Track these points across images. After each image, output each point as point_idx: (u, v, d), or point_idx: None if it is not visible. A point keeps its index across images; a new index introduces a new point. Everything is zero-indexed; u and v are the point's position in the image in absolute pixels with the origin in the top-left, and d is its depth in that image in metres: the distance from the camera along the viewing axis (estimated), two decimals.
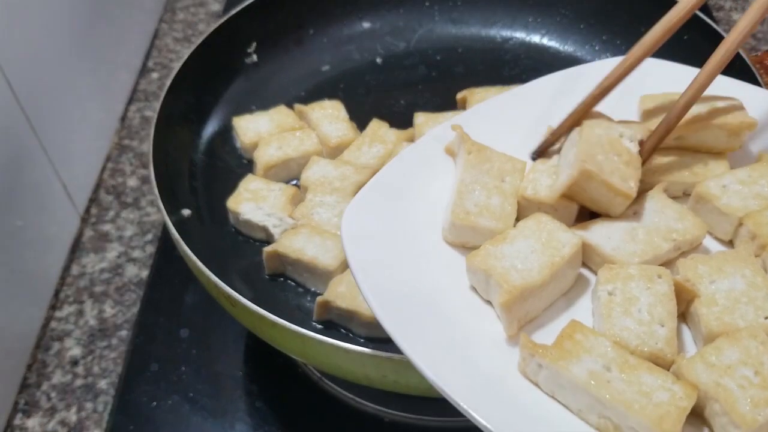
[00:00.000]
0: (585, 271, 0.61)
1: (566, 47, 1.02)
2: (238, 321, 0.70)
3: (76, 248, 0.93)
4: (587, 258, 0.61)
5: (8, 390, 0.78)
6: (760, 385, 0.50)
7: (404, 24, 1.05)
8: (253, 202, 0.80)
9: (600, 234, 0.60)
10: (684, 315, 0.57)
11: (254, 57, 0.98)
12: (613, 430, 0.50)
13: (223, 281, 0.65)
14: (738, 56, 0.86)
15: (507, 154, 0.66)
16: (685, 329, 0.57)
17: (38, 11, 0.85)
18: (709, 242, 0.63)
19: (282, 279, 0.77)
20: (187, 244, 0.69)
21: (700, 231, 0.61)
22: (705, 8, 1.12)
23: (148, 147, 0.79)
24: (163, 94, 0.84)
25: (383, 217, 0.63)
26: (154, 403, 0.77)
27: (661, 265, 0.59)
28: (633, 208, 0.62)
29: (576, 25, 1.02)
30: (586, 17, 1.02)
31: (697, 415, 0.51)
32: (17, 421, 0.78)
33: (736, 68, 0.85)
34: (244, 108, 0.93)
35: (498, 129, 0.70)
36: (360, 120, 0.90)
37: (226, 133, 0.91)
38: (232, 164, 0.90)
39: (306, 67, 1.00)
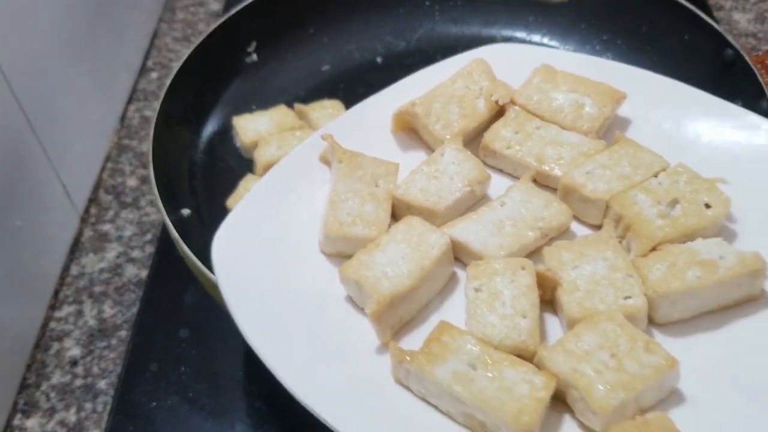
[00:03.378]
0: (459, 269, 0.62)
1: (567, 47, 1.02)
2: None
3: (75, 248, 0.93)
4: (460, 255, 0.62)
5: (7, 390, 0.78)
6: (616, 368, 0.51)
7: (404, 23, 1.05)
8: None
9: (469, 230, 0.62)
10: (551, 301, 0.59)
11: (254, 56, 0.98)
12: (479, 427, 0.52)
13: None
14: (739, 56, 0.86)
15: (379, 159, 0.66)
16: (554, 318, 0.59)
17: (38, 11, 0.85)
18: (580, 229, 0.65)
19: None
20: (187, 244, 0.69)
21: (566, 217, 0.63)
22: (705, 8, 1.12)
23: (147, 147, 0.79)
24: (162, 94, 0.84)
25: (257, 236, 0.62)
26: (154, 404, 0.77)
27: (530, 253, 0.62)
28: (500, 200, 0.64)
29: (577, 25, 1.02)
30: (587, 17, 1.02)
31: (562, 401, 0.53)
32: (16, 421, 0.78)
33: (737, 68, 0.85)
34: (244, 107, 0.93)
35: (371, 132, 0.71)
36: None
37: (225, 132, 0.91)
38: (231, 164, 0.89)
39: (306, 67, 1.00)
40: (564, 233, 0.64)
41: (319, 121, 0.89)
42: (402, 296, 0.56)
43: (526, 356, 0.54)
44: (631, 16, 0.99)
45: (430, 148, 0.71)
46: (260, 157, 0.85)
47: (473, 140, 0.71)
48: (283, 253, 0.62)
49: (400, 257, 0.58)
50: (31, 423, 0.78)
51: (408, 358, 0.53)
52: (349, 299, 0.60)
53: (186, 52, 0.88)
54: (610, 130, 0.71)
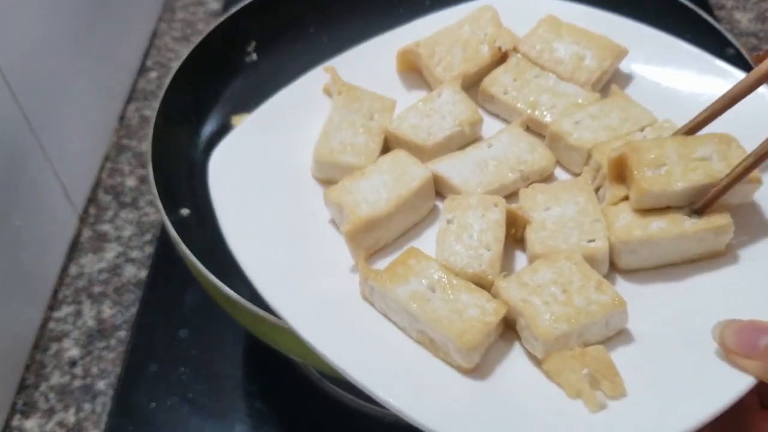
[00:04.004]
0: (441, 203, 0.64)
1: None
2: (237, 321, 0.70)
3: (74, 248, 0.92)
4: (442, 190, 0.64)
5: (6, 391, 0.78)
6: (564, 302, 0.54)
7: (404, 23, 1.04)
8: None
9: (452, 166, 0.64)
10: (522, 240, 0.61)
11: (254, 56, 0.97)
12: (429, 343, 0.55)
13: (222, 281, 0.65)
14: (739, 55, 0.86)
15: (378, 94, 0.69)
16: (523, 256, 0.61)
17: (37, 10, 0.85)
18: (564, 176, 0.67)
19: None
20: (186, 244, 0.68)
21: (548, 162, 0.65)
22: (706, 7, 1.12)
23: (146, 146, 0.78)
24: (161, 94, 0.83)
25: (254, 156, 0.66)
26: (153, 404, 0.77)
27: (510, 194, 0.64)
28: (489, 141, 0.66)
29: None
30: None
31: (513, 329, 0.56)
32: (15, 422, 0.77)
33: (738, 68, 0.85)
34: (243, 107, 0.93)
35: (376, 69, 0.74)
36: None
37: (225, 132, 0.90)
38: None
39: (306, 67, 1.00)
40: (546, 178, 0.66)
41: None
42: (377, 221, 0.60)
43: (485, 285, 0.57)
44: (631, 16, 0.99)
45: (431, 89, 0.72)
46: None
47: (473, 86, 0.72)
48: (276, 174, 0.66)
49: (381, 185, 0.61)
50: (30, 424, 0.77)
51: (372, 275, 0.56)
52: (333, 222, 0.63)
53: (185, 51, 0.88)
54: (609, 84, 0.71)
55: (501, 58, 0.73)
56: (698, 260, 0.60)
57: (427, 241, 0.62)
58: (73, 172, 0.93)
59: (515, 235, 0.61)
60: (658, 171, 0.58)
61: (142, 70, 1.15)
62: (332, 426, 0.77)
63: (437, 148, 0.66)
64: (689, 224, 0.58)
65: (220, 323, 0.82)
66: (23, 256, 0.82)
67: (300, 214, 0.63)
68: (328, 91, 0.72)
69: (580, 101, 0.68)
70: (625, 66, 0.73)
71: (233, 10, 0.94)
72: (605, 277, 0.57)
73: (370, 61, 0.75)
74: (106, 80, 1.05)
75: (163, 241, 0.91)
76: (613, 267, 0.60)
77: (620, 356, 0.54)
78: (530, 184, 0.64)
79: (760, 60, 0.89)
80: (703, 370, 0.52)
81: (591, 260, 0.57)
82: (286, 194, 0.65)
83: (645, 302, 0.57)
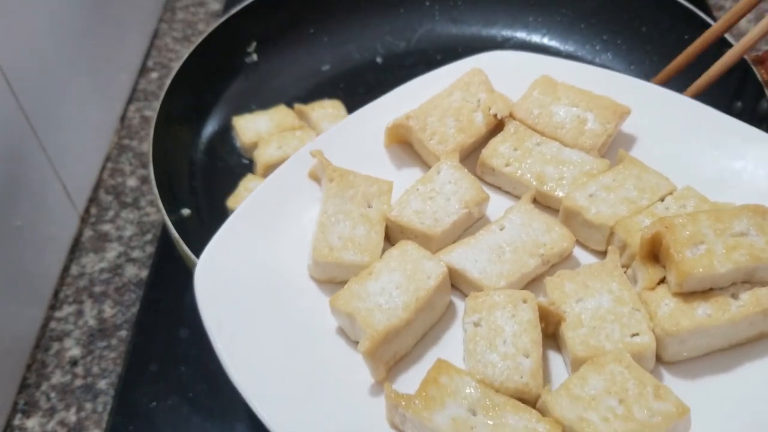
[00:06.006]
0: (457, 297, 0.59)
1: (567, 47, 1.02)
2: None
3: (75, 248, 0.93)
4: (458, 282, 0.59)
5: (8, 390, 0.78)
6: (624, 416, 0.49)
7: (404, 23, 1.05)
8: None
9: (466, 257, 0.59)
10: (554, 335, 0.56)
11: (254, 56, 0.98)
12: None
13: None
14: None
15: (372, 177, 0.63)
16: (556, 355, 0.56)
17: (38, 11, 0.85)
18: (582, 254, 0.62)
19: None
20: (187, 244, 0.69)
21: (568, 242, 0.60)
22: (705, 8, 1.12)
23: (147, 147, 0.79)
24: (162, 94, 0.84)
25: (242, 262, 0.59)
26: (154, 404, 0.77)
27: (531, 280, 0.59)
28: (499, 222, 0.61)
29: (577, 25, 1.02)
30: (587, 17, 1.02)
31: None
32: (17, 421, 0.78)
33: (737, 68, 0.85)
34: (244, 107, 0.93)
35: (364, 145, 0.68)
36: None
37: (225, 132, 0.91)
38: (231, 164, 0.89)
39: (306, 67, 1.00)
40: (566, 259, 0.61)
41: (319, 121, 0.89)
42: (397, 330, 0.53)
43: (529, 399, 0.51)
44: (631, 16, 0.99)
45: (425, 163, 0.68)
46: (260, 157, 0.85)
47: (470, 155, 0.68)
48: (270, 281, 0.58)
49: (394, 287, 0.55)
50: (32, 423, 0.78)
51: (404, 402, 0.50)
52: (341, 331, 0.57)
53: (186, 52, 0.88)
54: (613, 146, 0.68)
55: (497, 125, 0.69)
56: (746, 343, 0.55)
57: (449, 345, 0.56)
58: (75, 172, 0.93)
59: (545, 330, 0.56)
60: (697, 250, 0.54)
61: (143, 70, 1.15)
62: None
63: (446, 235, 0.61)
64: (736, 308, 0.53)
65: None
66: (24, 255, 0.82)
67: (304, 326, 0.57)
68: (314, 176, 0.65)
69: (588, 169, 0.64)
70: (626, 125, 0.69)
71: (234, 10, 0.94)
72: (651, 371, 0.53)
73: (355, 137, 0.68)
74: (107, 81, 1.05)
75: (164, 241, 0.92)
76: (658, 359, 0.55)
77: None
78: (552, 266, 0.60)
79: (758, 60, 0.89)
80: None
81: (638, 357, 0.52)
82: (285, 303, 0.58)
83: (699, 399, 0.52)
